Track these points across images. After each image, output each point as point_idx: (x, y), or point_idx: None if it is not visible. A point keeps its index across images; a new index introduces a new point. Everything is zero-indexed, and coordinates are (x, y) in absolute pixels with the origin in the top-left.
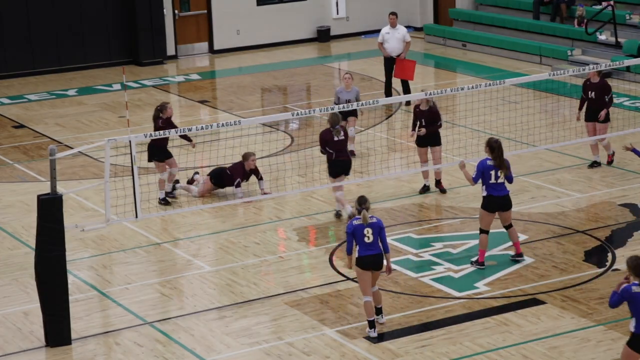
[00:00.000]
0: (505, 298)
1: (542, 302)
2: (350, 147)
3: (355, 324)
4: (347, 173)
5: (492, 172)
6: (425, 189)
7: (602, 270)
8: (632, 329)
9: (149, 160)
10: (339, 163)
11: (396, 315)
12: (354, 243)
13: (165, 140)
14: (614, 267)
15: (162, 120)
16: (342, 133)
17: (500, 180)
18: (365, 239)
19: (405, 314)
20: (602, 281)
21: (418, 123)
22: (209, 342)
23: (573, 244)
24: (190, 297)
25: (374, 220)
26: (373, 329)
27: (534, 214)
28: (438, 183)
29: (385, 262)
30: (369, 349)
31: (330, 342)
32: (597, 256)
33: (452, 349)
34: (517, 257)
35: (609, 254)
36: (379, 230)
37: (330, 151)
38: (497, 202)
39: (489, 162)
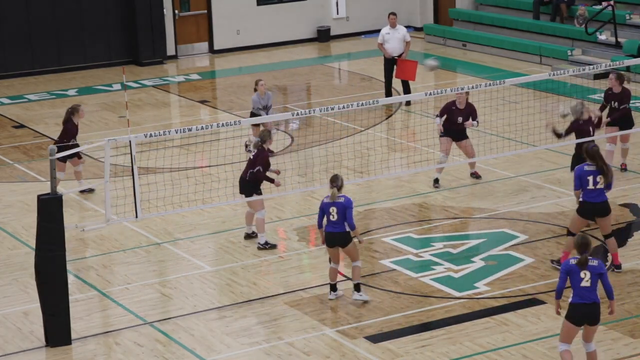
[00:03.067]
0: (505, 298)
1: (542, 302)
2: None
3: (355, 324)
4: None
5: (591, 178)
6: (437, 182)
7: None
8: (570, 300)
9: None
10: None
11: (396, 315)
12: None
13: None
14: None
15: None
16: (254, 152)
17: (599, 186)
18: (331, 217)
19: (405, 314)
20: None
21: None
22: (209, 342)
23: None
24: (190, 297)
25: (342, 200)
26: (332, 292)
27: (534, 214)
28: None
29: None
30: (369, 349)
31: (330, 342)
32: (597, 256)
33: (452, 349)
34: (616, 269)
35: (609, 254)
36: (343, 209)
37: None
38: (594, 208)
39: (587, 168)
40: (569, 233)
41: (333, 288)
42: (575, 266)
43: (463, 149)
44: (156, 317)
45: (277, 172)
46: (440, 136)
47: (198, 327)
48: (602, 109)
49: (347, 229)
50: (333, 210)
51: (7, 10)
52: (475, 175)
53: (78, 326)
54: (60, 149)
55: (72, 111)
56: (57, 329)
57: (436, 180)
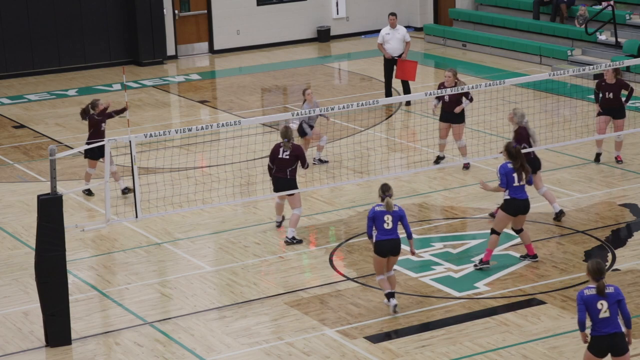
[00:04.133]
0: (505, 298)
1: (542, 302)
2: (317, 155)
3: (355, 324)
4: (282, 190)
5: (515, 175)
6: (439, 160)
7: None
8: (590, 332)
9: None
10: (275, 179)
11: (396, 315)
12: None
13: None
14: (614, 267)
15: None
16: (288, 151)
17: (522, 183)
18: (385, 225)
19: (405, 314)
20: None
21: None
22: (209, 342)
23: (573, 244)
24: (190, 297)
25: (396, 208)
26: (391, 299)
27: (534, 214)
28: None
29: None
30: (369, 349)
31: (330, 342)
32: (597, 256)
33: (452, 349)
34: (532, 259)
35: (609, 254)
36: (399, 217)
37: (272, 166)
38: (519, 205)
39: (510, 165)
40: (493, 232)
41: (391, 295)
42: (592, 297)
43: (454, 129)
44: (156, 317)
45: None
46: (440, 120)
47: (198, 327)
48: (596, 96)
49: (400, 237)
50: (388, 218)
51: (7, 10)
52: (466, 167)
53: (78, 326)
54: (90, 146)
55: (92, 106)
56: (57, 329)
57: (439, 159)
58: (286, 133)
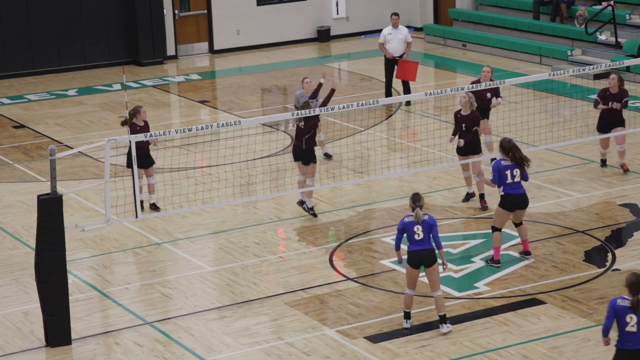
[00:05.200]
0: (505, 298)
1: (542, 302)
2: (324, 150)
3: (355, 324)
4: (303, 160)
5: (508, 172)
6: (468, 197)
7: (602, 270)
8: (616, 344)
9: None
10: (293, 148)
11: (396, 315)
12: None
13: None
14: (614, 267)
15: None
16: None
17: (517, 179)
18: (415, 236)
19: None
20: (602, 281)
21: (458, 130)
22: (209, 342)
23: (573, 244)
24: (190, 297)
25: (426, 217)
26: (406, 320)
27: (534, 214)
28: (481, 197)
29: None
30: (369, 349)
31: (330, 342)
32: (597, 256)
33: (452, 349)
34: (525, 255)
35: (609, 254)
36: (429, 227)
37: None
38: (515, 200)
39: (504, 162)
40: (494, 229)
41: (407, 316)
42: (623, 308)
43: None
44: (156, 317)
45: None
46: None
47: (198, 327)
48: (595, 105)
49: (433, 246)
50: (418, 229)
51: (7, 10)
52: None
53: (78, 326)
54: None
55: (134, 113)
56: (57, 329)
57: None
58: (303, 106)
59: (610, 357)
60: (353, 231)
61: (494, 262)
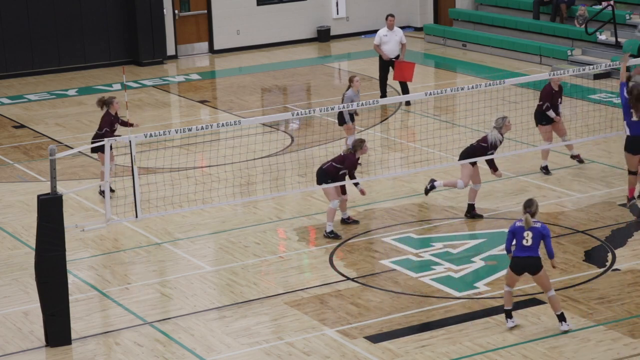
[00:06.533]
0: None
1: (542, 302)
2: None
3: (355, 324)
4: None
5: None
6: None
7: (602, 270)
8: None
9: None
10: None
11: (396, 315)
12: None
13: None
14: (614, 267)
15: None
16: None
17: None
18: (524, 242)
19: (405, 314)
20: (602, 281)
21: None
22: (209, 342)
23: (573, 244)
24: (190, 297)
25: (538, 225)
26: (509, 319)
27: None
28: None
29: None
30: (369, 349)
31: (330, 342)
32: (597, 256)
33: (452, 349)
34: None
35: (609, 254)
36: (540, 236)
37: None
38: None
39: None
40: (630, 172)
41: (509, 314)
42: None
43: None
44: (156, 317)
45: (362, 193)
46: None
47: (198, 327)
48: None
49: (539, 254)
50: (528, 234)
51: (7, 10)
52: (577, 159)
53: (78, 326)
54: (98, 138)
55: (108, 103)
56: (57, 329)
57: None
58: (355, 143)
59: None
60: (353, 231)
61: (630, 200)
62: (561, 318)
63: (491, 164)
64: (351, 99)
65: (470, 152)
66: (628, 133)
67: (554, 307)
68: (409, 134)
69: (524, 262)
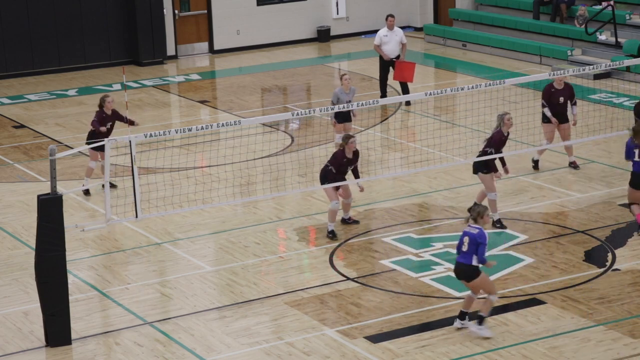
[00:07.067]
0: (505, 298)
1: (542, 302)
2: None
3: (355, 324)
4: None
5: (637, 150)
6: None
7: (602, 270)
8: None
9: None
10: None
11: (396, 315)
12: None
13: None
14: (614, 267)
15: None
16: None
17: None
18: (463, 247)
19: (405, 314)
20: (602, 281)
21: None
22: (209, 342)
23: (573, 244)
24: (190, 297)
25: (475, 231)
26: (459, 319)
27: (534, 214)
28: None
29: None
30: (369, 349)
31: (330, 342)
32: (597, 256)
33: (452, 349)
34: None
35: (609, 254)
36: (475, 242)
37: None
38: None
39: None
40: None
41: (461, 316)
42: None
43: (562, 132)
44: (156, 317)
45: (361, 189)
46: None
47: (198, 327)
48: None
49: (475, 263)
50: (466, 239)
51: (7, 10)
52: (573, 165)
53: (78, 326)
54: (90, 135)
55: (101, 102)
56: (57, 329)
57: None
58: (343, 137)
59: None
60: (353, 231)
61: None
62: (480, 321)
63: (502, 161)
64: (337, 97)
65: (482, 162)
66: (632, 169)
67: (482, 308)
68: (409, 134)
69: (458, 268)
